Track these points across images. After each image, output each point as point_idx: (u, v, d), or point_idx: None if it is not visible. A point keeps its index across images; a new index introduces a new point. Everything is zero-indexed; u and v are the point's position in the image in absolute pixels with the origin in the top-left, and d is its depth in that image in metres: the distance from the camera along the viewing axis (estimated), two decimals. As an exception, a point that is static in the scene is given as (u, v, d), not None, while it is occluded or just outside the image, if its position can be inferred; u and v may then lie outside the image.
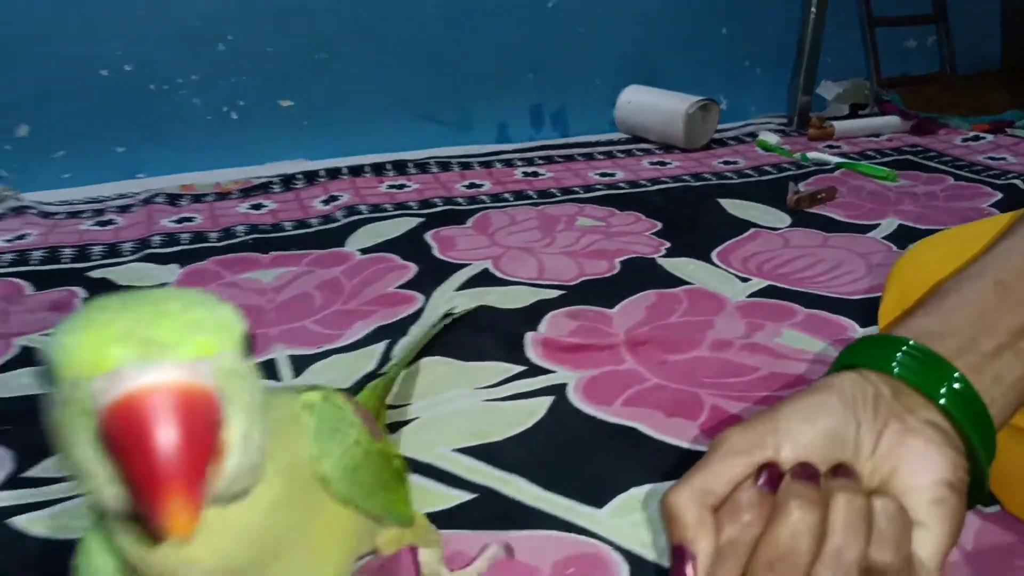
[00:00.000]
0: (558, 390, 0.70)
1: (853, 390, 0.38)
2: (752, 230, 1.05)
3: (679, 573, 0.36)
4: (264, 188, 1.29)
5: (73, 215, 1.19)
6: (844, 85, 1.67)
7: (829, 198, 1.15)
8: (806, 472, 0.36)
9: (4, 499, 0.58)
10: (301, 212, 1.18)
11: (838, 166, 1.30)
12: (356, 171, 1.35)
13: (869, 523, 0.35)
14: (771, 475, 0.37)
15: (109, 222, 1.16)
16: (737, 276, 0.92)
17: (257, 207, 1.20)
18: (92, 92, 1.32)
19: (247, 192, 1.27)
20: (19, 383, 0.74)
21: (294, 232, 1.10)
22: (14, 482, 0.60)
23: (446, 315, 0.80)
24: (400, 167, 1.37)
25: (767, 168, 1.34)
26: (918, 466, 0.37)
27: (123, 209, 1.21)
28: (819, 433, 0.37)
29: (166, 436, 0.22)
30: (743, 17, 1.65)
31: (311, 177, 1.32)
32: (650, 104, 1.48)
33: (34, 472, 0.61)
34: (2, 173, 1.32)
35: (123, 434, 0.22)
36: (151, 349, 0.23)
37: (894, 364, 0.39)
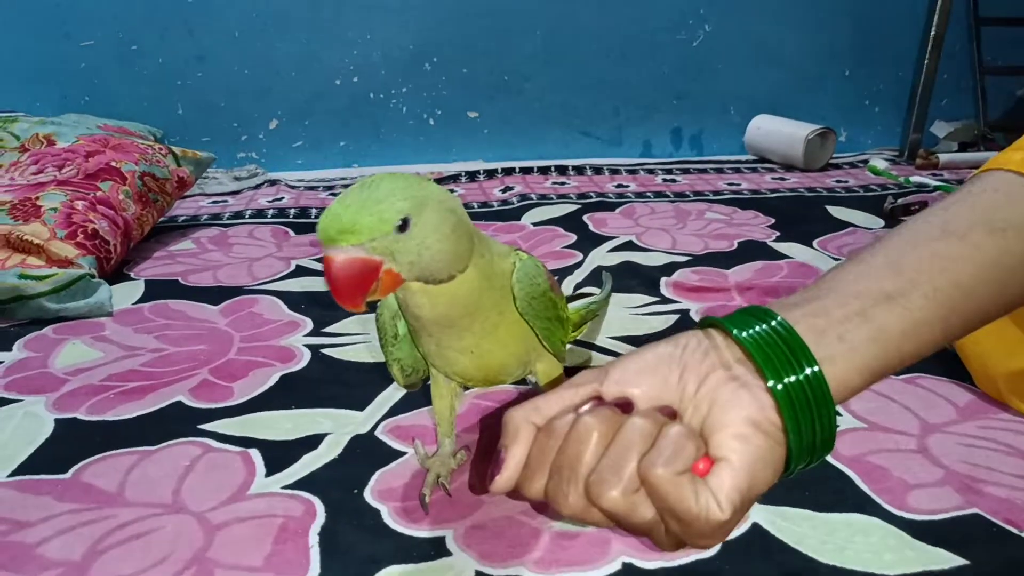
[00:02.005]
0: (683, 312, 0.96)
1: (688, 341, 0.42)
2: (850, 228, 1.29)
3: (491, 472, 0.41)
4: (453, 179, 1.61)
5: (310, 188, 1.55)
6: (955, 125, 1.87)
7: (921, 209, 1.36)
8: (616, 400, 0.41)
9: (313, 340, 0.90)
10: (483, 197, 1.49)
11: (936, 188, 1.52)
12: (526, 171, 1.66)
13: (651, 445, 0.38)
14: (592, 407, 0.40)
15: (339, 194, 1.50)
16: (831, 257, 1.16)
17: (450, 191, 1.53)
18: (327, 97, 1.69)
19: (440, 181, 1.60)
20: (303, 283, 1.06)
21: (480, 210, 1.41)
22: (316, 333, 0.91)
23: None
24: (561, 169, 1.68)
25: (873, 187, 1.56)
26: (729, 405, 0.39)
27: (347, 187, 1.55)
28: (642, 373, 0.41)
29: (334, 279, 0.45)
30: (865, 60, 1.88)
31: (490, 173, 1.64)
32: (776, 130, 1.73)
33: (328, 329, 0.92)
34: (253, 156, 1.70)
35: (327, 276, 0.46)
36: (340, 236, 0.44)
37: (734, 329, 0.41)
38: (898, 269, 0.42)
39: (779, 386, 0.39)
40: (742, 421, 0.38)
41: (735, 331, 0.41)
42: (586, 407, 0.40)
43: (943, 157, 1.71)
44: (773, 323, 0.41)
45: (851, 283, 0.42)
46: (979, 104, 1.84)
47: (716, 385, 0.40)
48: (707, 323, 0.43)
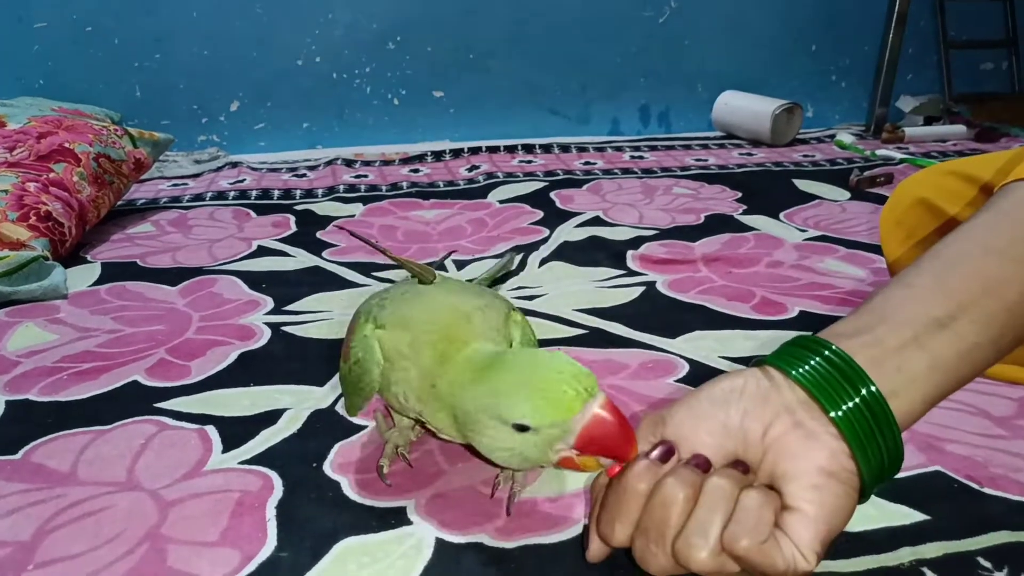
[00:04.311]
0: (649, 284, 0.96)
1: (746, 382, 0.43)
2: (816, 201, 1.29)
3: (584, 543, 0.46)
4: (420, 159, 1.59)
5: (273, 170, 1.53)
6: (921, 100, 1.88)
7: (887, 182, 1.37)
8: (694, 460, 0.42)
9: (274, 319, 0.88)
10: (450, 175, 1.48)
11: (901, 160, 1.52)
12: (492, 150, 1.65)
13: (733, 507, 0.40)
14: (664, 450, 0.43)
15: (303, 175, 1.48)
16: (797, 228, 1.16)
17: (415, 171, 1.51)
18: (289, 78, 1.66)
19: (406, 161, 1.58)
20: (260, 267, 1.04)
21: (446, 188, 1.40)
22: (277, 311, 0.90)
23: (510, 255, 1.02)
24: (528, 148, 1.66)
25: (839, 160, 1.57)
26: (799, 454, 0.40)
27: (311, 168, 1.53)
28: (700, 419, 0.43)
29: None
30: (831, 36, 1.89)
31: (456, 152, 1.63)
32: (743, 106, 1.73)
33: (289, 307, 0.91)
34: (215, 139, 1.67)
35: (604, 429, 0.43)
36: (589, 391, 0.44)
37: (792, 370, 0.42)
38: (946, 292, 0.43)
39: (839, 414, 0.40)
40: (815, 472, 0.39)
41: (792, 372, 0.42)
42: (656, 452, 0.43)
43: (908, 131, 1.71)
44: (827, 353, 0.41)
45: (900, 309, 0.43)
46: (944, 78, 1.85)
47: (783, 432, 0.41)
48: (762, 362, 0.44)
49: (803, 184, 1.39)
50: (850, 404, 0.40)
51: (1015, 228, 0.45)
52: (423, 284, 0.59)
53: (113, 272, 1.02)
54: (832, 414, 0.40)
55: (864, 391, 0.40)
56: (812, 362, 0.41)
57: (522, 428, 0.44)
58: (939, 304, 0.42)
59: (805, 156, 1.61)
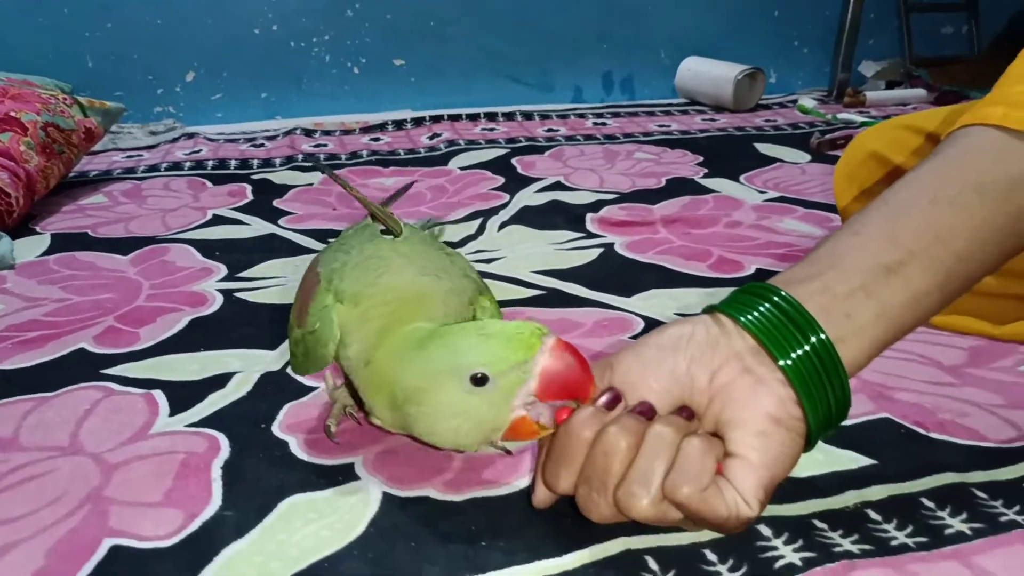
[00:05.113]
0: (607, 246, 0.95)
1: (694, 329, 0.43)
2: (776, 163, 1.29)
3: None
4: (380, 127, 1.57)
5: (231, 141, 1.50)
6: (882, 64, 1.88)
7: (846, 144, 1.37)
8: (638, 407, 0.42)
9: (226, 285, 0.87)
10: (411, 144, 1.46)
11: (862, 123, 1.53)
12: (455, 118, 1.63)
13: (675, 454, 0.39)
14: (610, 397, 0.42)
15: (260, 145, 1.46)
16: (757, 190, 1.16)
17: (376, 140, 1.49)
18: (245, 47, 1.63)
19: (366, 130, 1.56)
20: (215, 236, 1.03)
21: (406, 156, 1.38)
22: (231, 278, 0.89)
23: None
24: (491, 116, 1.65)
25: (802, 125, 1.57)
26: (746, 401, 0.40)
27: (269, 138, 1.51)
28: (648, 366, 0.42)
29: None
30: (793, 2, 1.88)
31: (417, 121, 1.61)
32: (706, 71, 1.72)
33: (243, 274, 0.90)
34: (171, 110, 1.64)
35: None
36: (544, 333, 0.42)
37: (740, 316, 0.42)
38: (894, 240, 0.42)
39: (788, 362, 0.40)
40: (762, 418, 0.39)
41: (741, 319, 0.41)
42: (602, 400, 0.42)
43: (870, 95, 1.72)
44: (776, 299, 0.41)
45: (849, 256, 0.42)
46: (905, 42, 1.86)
47: (730, 379, 0.40)
48: (711, 309, 0.44)
49: (765, 148, 1.39)
50: (799, 352, 0.40)
51: (962, 176, 0.45)
52: (389, 236, 0.56)
53: (63, 242, 0.99)
54: (781, 362, 0.40)
55: (813, 339, 0.40)
56: (761, 308, 0.41)
57: (479, 381, 0.42)
58: (887, 252, 0.42)
59: (767, 121, 1.61)
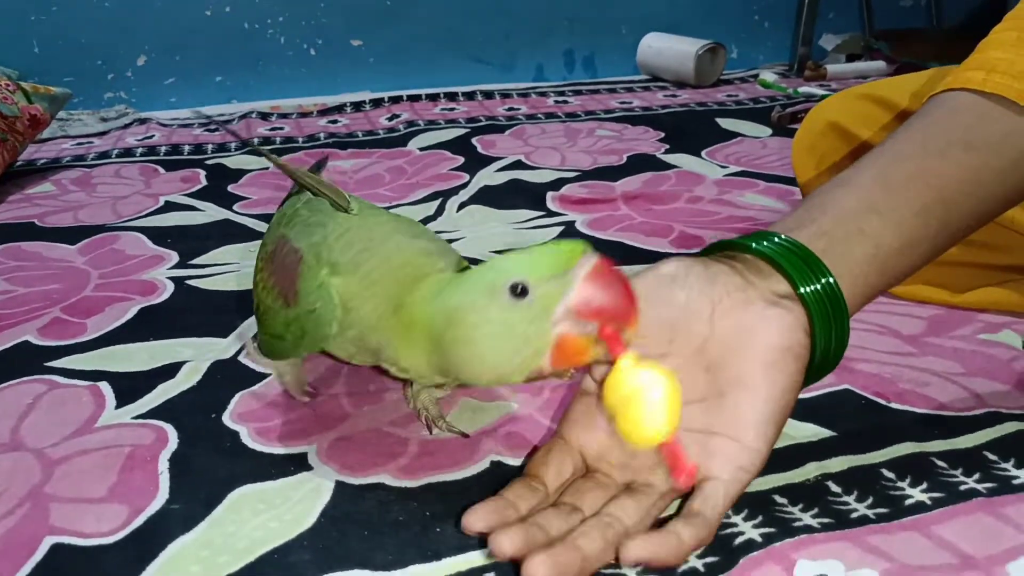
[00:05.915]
0: (568, 224, 0.94)
1: (687, 264, 0.42)
2: (738, 138, 1.29)
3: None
4: (338, 109, 1.55)
5: (185, 126, 1.47)
6: (843, 38, 1.88)
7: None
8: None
9: (178, 273, 0.84)
10: (369, 125, 1.44)
11: (823, 97, 1.53)
12: (414, 99, 1.60)
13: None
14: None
15: (215, 130, 1.42)
16: (719, 165, 1.15)
17: (334, 122, 1.47)
18: (198, 29, 1.59)
19: (324, 112, 1.53)
20: (167, 223, 1.00)
21: (365, 138, 1.36)
22: (182, 265, 0.86)
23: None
24: (451, 96, 1.63)
25: (763, 99, 1.56)
26: (754, 327, 0.39)
27: (225, 123, 1.48)
28: (643, 298, 0.40)
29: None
30: (753, -24, 1.88)
31: (376, 103, 1.58)
32: (666, 47, 1.71)
33: (195, 261, 0.87)
34: (123, 96, 1.60)
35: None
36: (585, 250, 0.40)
37: (752, 243, 0.42)
38: (887, 186, 0.43)
39: (808, 290, 0.40)
40: (771, 348, 0.39)
41: (754, 245, 0.41)
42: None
43: (830, 68, 1.72)
44: (779, 239, 0.41)
45: (843, 202, 0.43)
46: (864, 16, 1.86)
47: (733, 307, 0.40)
48: (710, 249, 0.44)
49: (726, 123, 1.39)
50: (814, 288, 0.40)
51: (949, 133, 0.46)
52: (338, 210, 0.54)
53: (8, 233, 0.96)
54: (802, 290, 0.40)
55: (823, 280, 0.40)
56: (774, 240, 0.41)
57: (519, 291, 0.39)
58: (881, 196, 0.43)
59: (729, 96, 1.60)
